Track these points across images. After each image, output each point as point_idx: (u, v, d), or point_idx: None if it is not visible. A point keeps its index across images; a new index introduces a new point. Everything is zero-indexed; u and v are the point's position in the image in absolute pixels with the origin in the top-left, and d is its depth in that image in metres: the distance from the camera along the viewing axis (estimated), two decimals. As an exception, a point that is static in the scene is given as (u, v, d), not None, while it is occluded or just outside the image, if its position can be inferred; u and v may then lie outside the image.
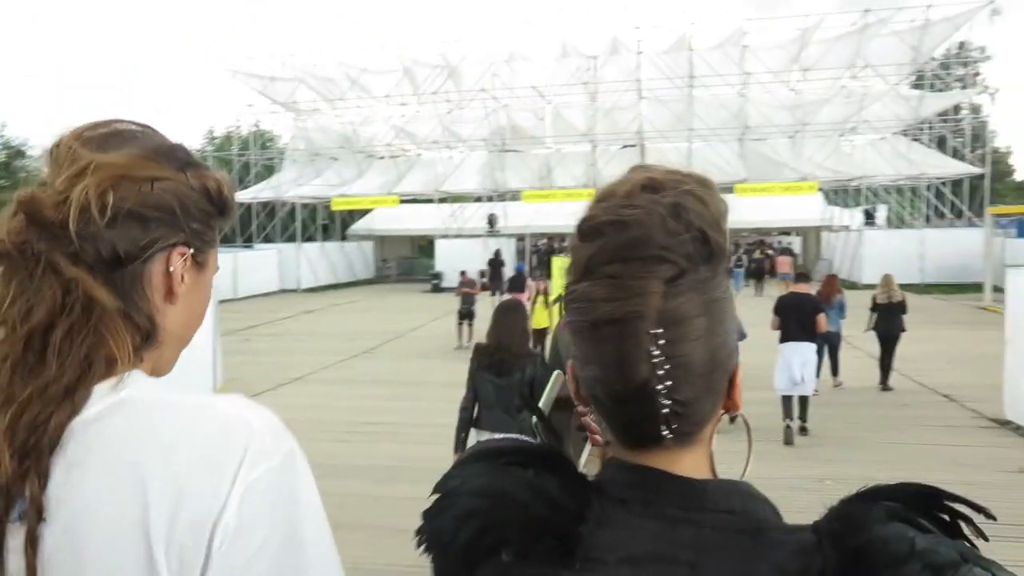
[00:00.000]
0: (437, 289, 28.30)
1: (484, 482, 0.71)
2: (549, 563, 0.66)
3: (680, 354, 0.67)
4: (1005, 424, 8.40)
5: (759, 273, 25.97)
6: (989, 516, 0.64)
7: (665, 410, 0.67)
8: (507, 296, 17.13)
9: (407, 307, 23.76)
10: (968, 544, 0.62)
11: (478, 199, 34.02)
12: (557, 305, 11.11)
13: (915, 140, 31.04)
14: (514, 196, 32.64)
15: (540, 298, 12.24)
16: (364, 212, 36.76)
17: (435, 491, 0.75)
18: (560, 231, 37.59)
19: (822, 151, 30.55)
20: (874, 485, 0.67)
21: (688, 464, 0.71)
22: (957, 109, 33.44)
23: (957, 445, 7.47)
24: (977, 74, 38.55)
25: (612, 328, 0.67)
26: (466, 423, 4.55)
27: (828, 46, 29.38)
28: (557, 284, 11.25)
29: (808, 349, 7.95)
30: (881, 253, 24.38)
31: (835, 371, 10.38)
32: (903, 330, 10.18)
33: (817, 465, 6.98)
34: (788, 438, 7.69)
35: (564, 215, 32.89)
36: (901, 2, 28.55)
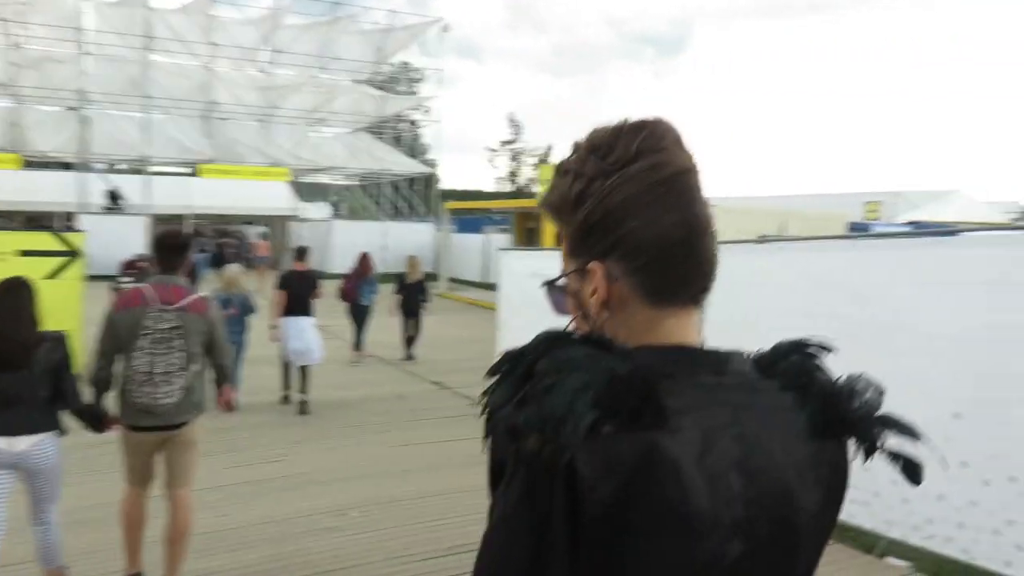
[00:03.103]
0: None
1: (588, 361, 0.73)
2: (648, 429, 0.72)
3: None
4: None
5: (218, 261, 24.06)
6: (828, 348, 0.92)
7: (716, 252, 0.87)
8: None
9: None
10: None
11: None
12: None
13: (378, 138, 32.74)
14: None
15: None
16: None
17: (511, 372, 0.75)
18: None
19: (291, 139, 29.98)
20: (780, 344, 0.92)
21: (696, 324, 0.87)
22: (403, 118, 36.41)
23: (467, 439, 6.91)
24: (415, 93, 42.82)
25: (686, 177, 0.85)
26: None
27: (299, 32, 28.91)
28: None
29: (306, 322, 8.27)
30: (349, 243, 24.64)
31: (359, 345, 10.95)
32: (425, 302, 11.48)
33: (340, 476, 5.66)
34: (285, 401, 8.30)
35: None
36: (368, 3, 29.59)
